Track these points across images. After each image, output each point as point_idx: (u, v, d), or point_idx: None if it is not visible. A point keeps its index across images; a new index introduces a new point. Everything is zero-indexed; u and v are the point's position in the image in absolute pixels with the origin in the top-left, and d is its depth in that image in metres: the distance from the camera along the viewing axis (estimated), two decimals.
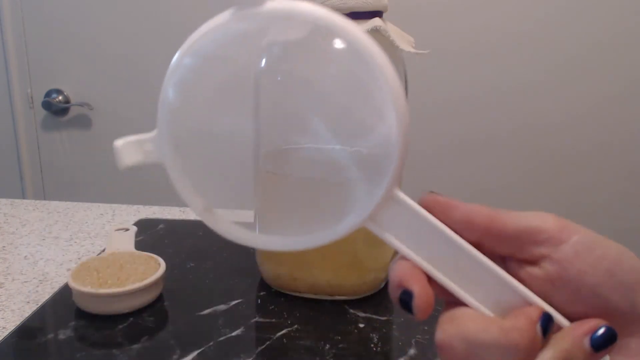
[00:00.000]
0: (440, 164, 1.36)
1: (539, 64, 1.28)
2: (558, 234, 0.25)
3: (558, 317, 0.25)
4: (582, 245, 0.25)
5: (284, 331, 0.48)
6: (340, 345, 0.46)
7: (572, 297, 0.24)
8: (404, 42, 0.50)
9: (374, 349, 0.46)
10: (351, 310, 0.52)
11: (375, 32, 0.48)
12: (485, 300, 0.25)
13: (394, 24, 0.52)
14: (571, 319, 0.25)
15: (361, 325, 0.49)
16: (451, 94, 1.32)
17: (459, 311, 0.25)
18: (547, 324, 0.24)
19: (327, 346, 0.46)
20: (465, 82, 1.31)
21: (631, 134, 1.31)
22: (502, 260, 0.26)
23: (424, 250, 0.25)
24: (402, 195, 0.25)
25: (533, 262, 0.25)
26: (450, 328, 0.24)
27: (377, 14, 0.49)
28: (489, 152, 1.34)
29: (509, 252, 0.26)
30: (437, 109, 1.33)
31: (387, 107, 0.24)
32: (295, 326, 0.49)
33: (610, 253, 0.24)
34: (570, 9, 1.25)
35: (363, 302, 0.53)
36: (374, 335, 0.48)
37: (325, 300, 0.53)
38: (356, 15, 0.48)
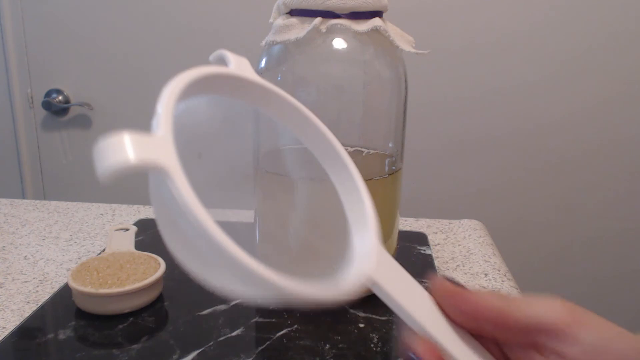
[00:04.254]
0: (440, 164, 1.36)
1: (539, 64, 1.28)
2: (569, 329, 0.25)
3: None
4: (592, 348, 0.24)
5: (284, 331, 0.48)
6: (340, 345, 0.46)
7: None
8: (404, 42, 0.50)
9: (374, 349, 0.46)
10: (351, 310, 0.52)
11: (375, 32, 0.48)
12: None
13: (394, 24, 0.52)
14: None
15: (361, 325, 0.49)
16: (451, 94, 1.32)
17: None
18: None
19: (327, 346, 0.46)
20: (465, 82, 1.31)
21: (631, 134, 1.31)
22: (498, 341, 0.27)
23: (427, 320, 0.26)
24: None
25: (539, 350, 0.26)
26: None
27: (377, 14, 0.49)
28: (489, 152, 1.34)
29: (516, 341, 0.26)
30: (437, 109, 1.33)
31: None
32: (295, 326, 0.49)
33: (619, 352, 0.24)
34: (570, 9, 1.25)
35: (363, 302, 0.53)
36: (374, 335, 0.48)
37: None
38: (356, 15, 0.48)
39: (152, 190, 0.24)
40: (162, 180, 0.21)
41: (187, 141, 0.24)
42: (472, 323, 0.26)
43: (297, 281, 0.22)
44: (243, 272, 0.21)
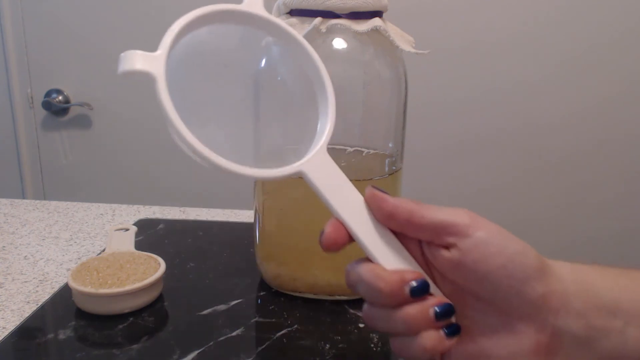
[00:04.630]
0: (440, 164, 1.36)
1: (539, 64, 1.28)
2: (466, 228, 0.30)
3: (434, 286, 0.32)
4: (481, 240, 0.30)
5: (284, 331, 0.48)
6: (340, 345, 0.46)
7: (467, 278, 0.31)
8: (404, 42, 0.50)
9: (374, 349, 0.46)
10: (351, 310, 0.52)
11: (375, 32, 0.48)
12: (385, 260, 0.33)
13: (394, 24, 0.52)
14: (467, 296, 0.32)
15: (361, 325, 0.49)
16: (451, 94, 1.32)
17: (364, 261, 0.33)
18: (419, 288, 0.31)
19: (327, 346, 0.46)
20: (465, 82, 1.31)
21: (631, 134, 1.31)
22: (420, 242, 0.33)
23: (346, 209, 0.33)
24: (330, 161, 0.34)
25: (445, 247, 0.31)
26: (355, 264, 0.33)
27: (377, 14, 0.49)
28: (489, 151, 1.34)
29: (426, 239, 0.32)
30: (437, 109, 1.33)
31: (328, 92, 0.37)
32: (295, 326, 0.49)
33: (506, 251, 0.30)
34: (570, 9, 1.25)
35: (363, 302, 0.53)
36: (374, 335, 0.48)
37: (325, 300, 0.53)
38: (356, 15, 0.48)
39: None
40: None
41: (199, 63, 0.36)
42: (391, 222, 0.33)
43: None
44: (189, 147, 0.30)
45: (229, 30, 0.36)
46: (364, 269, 0.32)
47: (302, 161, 0.34)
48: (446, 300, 0.32)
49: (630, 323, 0.31)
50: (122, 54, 0.31)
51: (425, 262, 0.33)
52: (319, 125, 0.36)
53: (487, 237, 0.30)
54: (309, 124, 0.36)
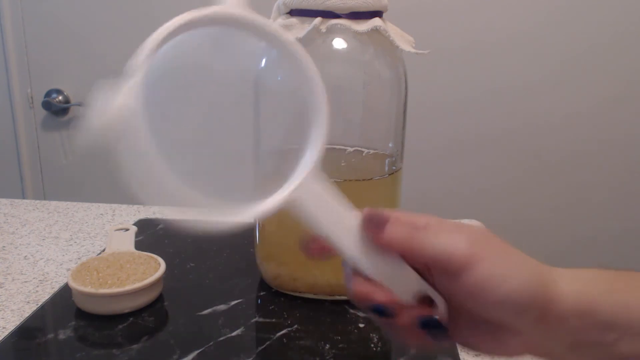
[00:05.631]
0: (440, 164, 1.36)
1: (539, 64, 1.28)
2: (465, 262, 0.29)
3: (431, 290, 0.32)
4: (480, 276, 0.29)
5: (284, 331, 0.48)
6: (340, 345, 0.46)
7: (464, 301, 0.31)
8: (404, 42, 0.50)
9: (374, 349, 0.46)
10: (351, 310, 0.52)
11: (375, 32, 0.48)
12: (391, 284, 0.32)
13: (394, 24, 0.52)
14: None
15: (361, 325, 0.49)
16: (451, 94, 1.32)
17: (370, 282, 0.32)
18: (379, 310, 0.31)
19: (327, 346, 0.46)
20: (465, 82, 1.31)
21: (631, 134, 1.31)
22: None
23: (342, 237, 0.32)
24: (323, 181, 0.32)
25: (447, 277, 0.31)
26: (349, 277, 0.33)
27: (377, 14, 0.49)
28: (489, 151, 1.34)
29: (428, 267, 0.32)
30: (437, 109, 1.33)
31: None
32: (295, 326, 0.49)
33: (505, 287, 0.29)
34: (570, 9, 1.25)
35: None
36: (374, 335, 0.48)
37: (325, 300, 0.53)
38: (356, 15, 0.48)
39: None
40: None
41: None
42: (388, 250, 0.32)
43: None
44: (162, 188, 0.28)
45: (210, 39, 0.34)
46: (349, 283, 0.33)
47: (292, 187, 0.32)
48: (432, 313, 0.32)
49: (623, 337, 0.31)
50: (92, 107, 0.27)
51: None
52: (311, 135, 0.34)
53: (484, 275, 0.29)
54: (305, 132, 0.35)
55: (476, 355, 0.46)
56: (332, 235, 0.32)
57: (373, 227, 0.32)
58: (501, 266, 0.30)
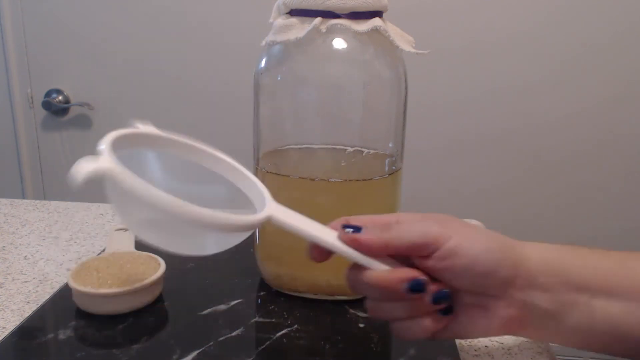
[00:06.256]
0: (440, 164, 1.36)
1: (539, 64, 1.28)
2: (436, 243, 0.35)
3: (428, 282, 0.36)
4: (450, 250, 0.35)
5: (284, 331, 0.48)
6: (340, 345, 0.46)
7: (444, 276, 0.35)
8: (404, 42, 0.50)
9: (374, 349, 0.46)
10: (351, 310, 0.52)
11: (375, 32, 0.48)
12: (377, 265, 0.36)
13: (394, 24, 0.52)
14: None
15: (361, 325, 0.49)
16: (451, 94, 1.32)
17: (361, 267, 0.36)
18: (415, 286, 0.35)
19: (327, 346, 0.46)
20: (465, 82, 1.31)
21: (630, 134, 1.31)
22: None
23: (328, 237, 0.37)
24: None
25: (425, 259, 0.35)
26: (354, 271, 0.37)
27: (377, 14, 0.49)
28: (489, 151, 1.34)
29: (407, 255, 0.36)
30: (437, 109, 1.33)
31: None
32: (295, 326, 0.49)
33: (471, 252, 0.34)
34: (570, 9, 1.25)
35: (363, 302, 0.53)
36: (374, 335, 0.48)
37: (325, 300, 0.53)
38: (356, 15, 0.48)
39: (110, 195, 0.34)
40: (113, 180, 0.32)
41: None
42: (370, 254, 0.36)
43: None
44: (175, 212, 0.32)
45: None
46: (365, 275, 0.36)
47: (266, 209, 0.37)
48: (442, 286, 0.36)
49: (596, 296, 0.35)
50: (72, 168, 0.31)
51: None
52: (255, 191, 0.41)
53: (454, 246, 0.35)
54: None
55: (476, 355, 0.46)
56: (317, 238, 0.36)
57: (348, 238, 0.36)
58: (468, 237, 0.35)
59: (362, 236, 0.36)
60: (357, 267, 0.37)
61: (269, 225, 0.38)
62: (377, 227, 0.36)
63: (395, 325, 0.37)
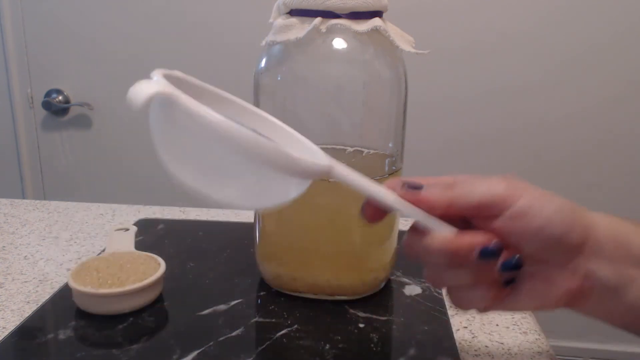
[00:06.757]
0: (440, 164, 1.36)
1: (539, 64, 1.28)
2: (504, 202, 0.32)
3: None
4: (520, 209, 0.32)
5: (284, 331, 0.48)
6: (340, 345, 0.46)
7: (510, 239, 0.32)
8: (404, 42, 0.50)
9: (374, 349, 0.46)
10: (351, 310, 0.52)
11: (375, 32, 0.48)
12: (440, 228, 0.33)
13: (394, 24, 0.52)
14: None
15: (361, 325, 0.49)
16: (451, 94, 1.32)
17: (421, 233, 0.34)
18: (489, 252, 0.32)
19: (327, 346, 0.46)
20: (465, 82, 1.31)
21: (630, 134, 1.31)
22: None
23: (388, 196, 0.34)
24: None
25: (490, 219, 0.33)
26: (415, 237, 0.34)
27: (377, 14, 0.49)
28: (489, 151, 1.34)
29: (470, 215, 0.33)
30: (437, 109, 1.33)
31: None
32: (295, 326, 0.49)
33: (543, 213, 0.32)
34: (570, 9, 1.25)
35: (363, 302, 0.53)
36: (374, 335, 0.48)
37: (325, 300, 0.53)
38: (356, 15, 0.48)
39: (157, 125, 0.31)
40: (170, 105, 0.29)
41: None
42: (432, 212, 0.33)
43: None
44: (246, 144, 0.29)
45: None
46: (428, 239, 0.33)
47: (327, 160, 0.34)
48: (513, 252, 0.33)
49: None
50: (131, 90, 0.29)
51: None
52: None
53: (526, 205, 0.32)
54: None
55: (476, 355, 0.46)
56: (377, 195, 0.33)
57: (410, 195, 0.33)
58: (538, 199, 0.32)
59: (425, 193, 0.33)
60: (416, 231, 0.34)
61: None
62: (439, 185, 0.33)
63: (454, 294, 0.35)
